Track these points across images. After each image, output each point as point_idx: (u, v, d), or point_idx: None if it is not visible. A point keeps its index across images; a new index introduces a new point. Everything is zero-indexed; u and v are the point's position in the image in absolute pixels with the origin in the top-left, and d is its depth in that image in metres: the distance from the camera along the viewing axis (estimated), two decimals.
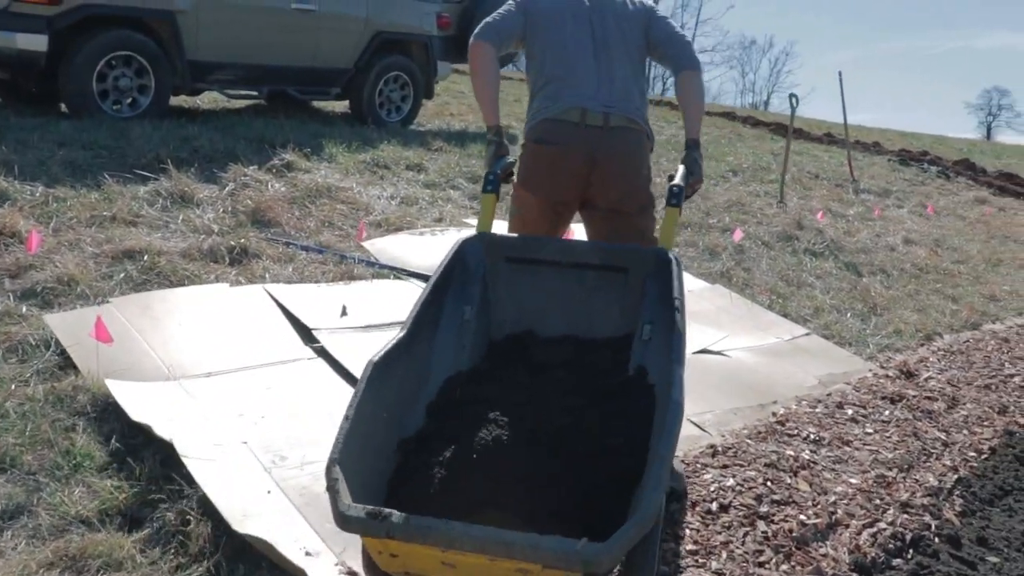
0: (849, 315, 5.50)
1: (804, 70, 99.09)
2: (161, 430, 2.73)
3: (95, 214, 4.67)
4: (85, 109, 6.66)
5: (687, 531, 2.75)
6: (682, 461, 3.16)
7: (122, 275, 4.01)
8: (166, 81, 7.15)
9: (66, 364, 3.22)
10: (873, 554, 2.78)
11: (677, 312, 2.23)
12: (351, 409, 1.83)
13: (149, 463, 2.66)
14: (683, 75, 3.07)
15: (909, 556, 2.82)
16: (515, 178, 3.12)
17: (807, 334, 4.94)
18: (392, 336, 2.09)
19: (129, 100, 7.01)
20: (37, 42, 6.38)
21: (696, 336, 4.38)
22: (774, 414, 3.81)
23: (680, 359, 2.06)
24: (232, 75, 7.79)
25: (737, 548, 2.69)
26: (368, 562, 1.95)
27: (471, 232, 2.68)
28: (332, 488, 1.67)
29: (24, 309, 3.58)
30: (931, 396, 4.30)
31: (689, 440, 3.38)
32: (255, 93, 8.45)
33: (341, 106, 9.64)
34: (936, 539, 2.92)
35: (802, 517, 2.92)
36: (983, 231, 9.67)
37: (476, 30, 2.98)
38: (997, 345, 5.44)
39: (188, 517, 2.42)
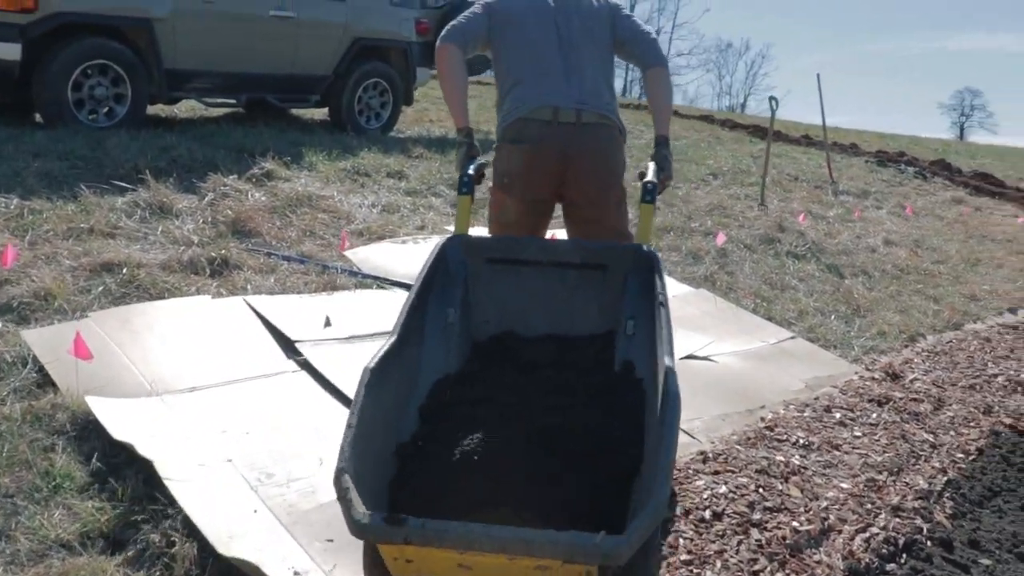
0: (833, 317, 5.50)
1: (780, 73, 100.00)
2: (143, 449, 2.67)
3: (72, 226, 4.59)
4: (60, 119, 6.56)
5: (680, 540, 2.72)
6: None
7: (100, 289, 3.94)
8: (143, 90, 7.06)
9: (44, 381, 3.15)
10: (867, 559, 2.77)
11: (662, 306, 2.25)
12: (353, 416, 1.81)
13: (132, 482, 2.60)
14: (651, 72, 3.11)
15: (903, 560, 2.81)
16: (491, 182, 3.14)
17: (792, 337, 4.94)
18: (383, 343, 2.08)
19: (105, 109, 6.93)
20: (10, 51, 6.29)
21: (682, 341, 4.35)
22: (763, 419, 3.80)
23: (671, 352, 2.06)
24: (210, 83, 7.72)
25: (732, 557, 2.66)
26: (370, 572, 1.94)
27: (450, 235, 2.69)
28: (344, 497, 1.65)
29: (0, 325, 3.51)
30: (917, 398, 4.30)
31: (679, 447, 3.32)
32: (233, 101, 8.38)
33: (320, 113, 9.58)
34: (928, 542, 2.92)
35: (795, 524, 2.90)
36: (961, 231, 9.74)
37: (442, 33, 3.01)
38: (980, 345, 5.46)
39: (173, 538, 2.36)
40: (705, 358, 4.36)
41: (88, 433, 2.84)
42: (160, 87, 7.26)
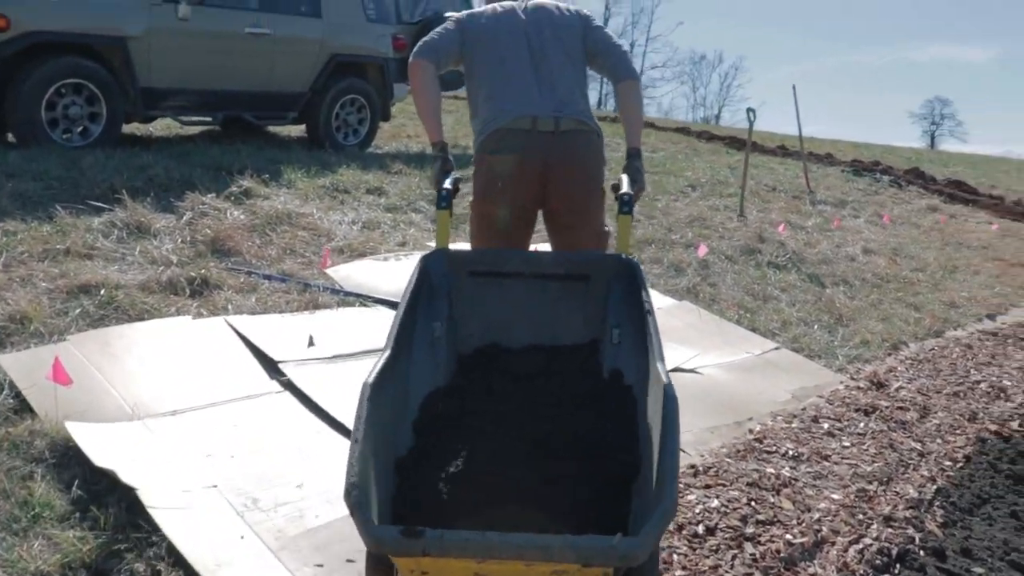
0: (816, 327, 5.51)
1: (753, 84, 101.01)
2: (126, 476, 2.61)
3: (48, 248, 4.51)
4: (34, 139, 6.48)
5: (675, 556, 2.70)
6: None
7: (78, 311, 3.87)
8: (118, 109, 7.00)
9: (21, 407, 3.07)
10: (861, 571, 2.75)
11: (649, 314, 2.27)
12: (358, 431, 1.81)
13: (114, 510, 2.53)
14: (623, 85, 3.15)
15: (896, 571, 2.79)
16: (472, 197, 3.16)
17: (777, 348, 4.94)
18: (378, 358, 2.06)
19: (80, 129, 6.85)
20: None
21: (668, 354, 4.27)
22: (751, 431, 3.78)
23: (662, 356, 2.09)
24: (186, 101, 7.65)
25: (727, 572, 2.63)
26: None
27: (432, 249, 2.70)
28: (357, 511, 1.64)
29: None
30: (903, 406, 4.30)
31: None
32: (209, 119, 8.31)
33: (297, 130, 9.53)
34: (921, 552, 2.90)
35: (788, 537, 2.88)
36: (938, 238, 9.82)
37: (415, 49, 3.02)
38: (961, 352, 5.49)
39: (158, 567, 2.30)
40: (691, 371, 4.35)
41: (68, 460, 2.77)
42: (135, 106, 7.19)
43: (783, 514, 3.04)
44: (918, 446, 3.84)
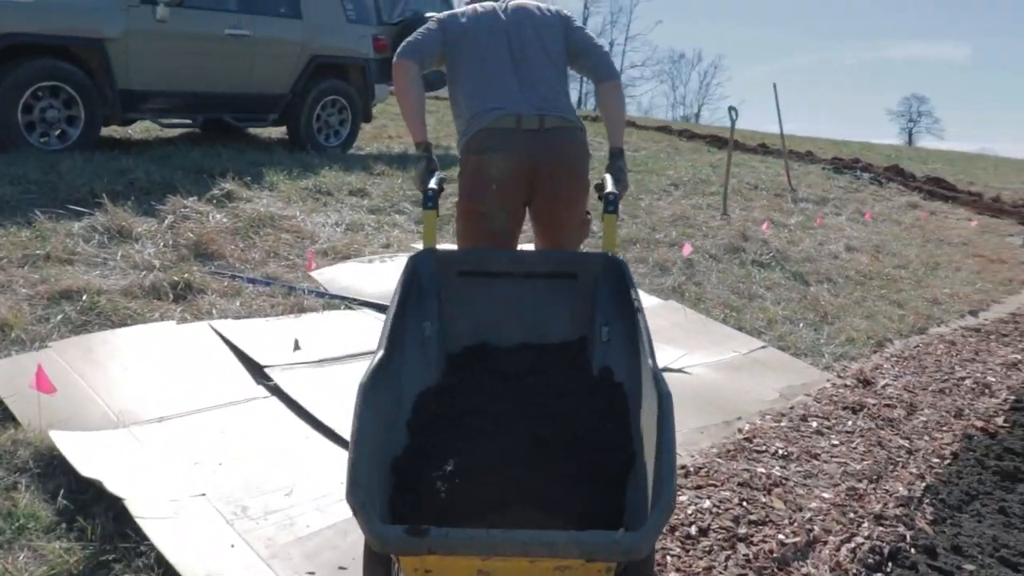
0: (801, 325, 5.53)
1: (732, 83, 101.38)
2: (113, 485, 2.57)
3: (27, 253, 4.45)
4: (10, 142, 6.38)
5: (668, 558, 2.69)
6: None
7: (60, 317, 3.81)
8: (96, 112, 6.91)
9: (4, 416, 3.01)
10: (854, 571, 2.75)
11: (639, 312, 2.28)
12: (357, 432, 1.80)
13: (101, 520, 2.49)
14: (604, 86, 3.17)
15: (888, 569, 2.80)
16: (457, 197, 3.16)
17: (763, 347, 4.95)
18: (372, 358, 2.05)
19: (58, 132, 6.76)
20: None
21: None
22: (740, 430, 3.78)
23: (653, 353, 2.11)
24: (166, 104, 7.57)
25: (720, 573, 2.63)
26: None
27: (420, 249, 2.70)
28: (360, 511, 1.64)
29: None
30: (890, 404, 4.32)
31: None
32: (189, 121, 8.23)
33: (278, 132, 9.46)
34: (912, 550, 2.91)
35: (781, 537, 2.88)
36: (919, 235, 9.90)
37: (398, 50, 3.03)
38: (945, 349, 5.52)
39: None
40: (679, 370, 4.35)
41: (53, 470, 2.73)
42: (114, 108, 7.10)
43: (775, 514, 3.04)
44: (906, 443, 3.86)
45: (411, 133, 3.02)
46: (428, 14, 10.90)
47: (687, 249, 6.65)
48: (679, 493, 3.08)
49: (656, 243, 7.01)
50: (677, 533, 2.82)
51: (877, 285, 7.04)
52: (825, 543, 2.90)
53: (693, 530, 2.85)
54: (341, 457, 3.05)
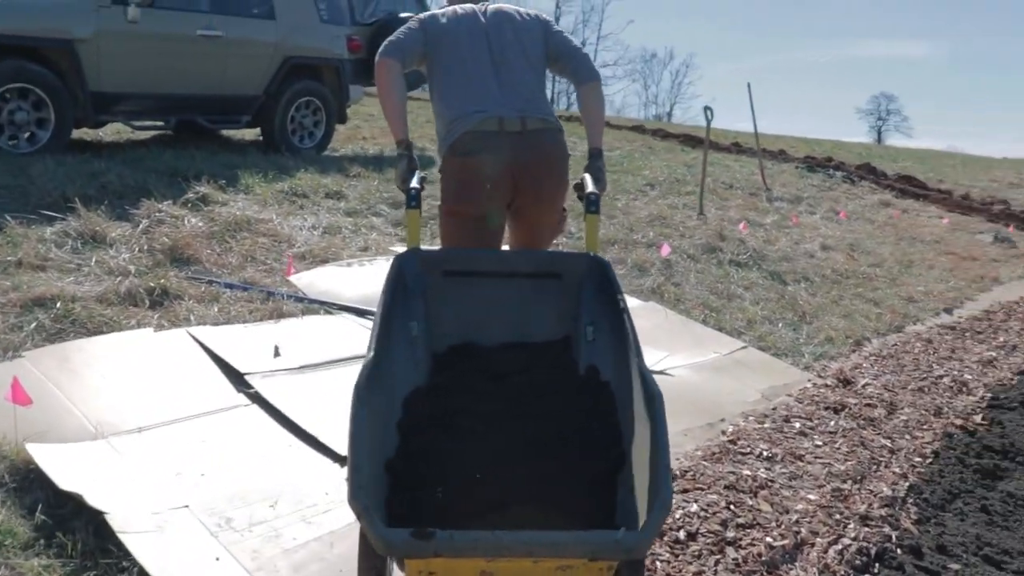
0: (781, 325, 5.55)
1: (704, 81, 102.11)
2: (93, 499, 2.52)
3: None
4: None
5: (658, 563, 2.68)
6: None
7: (33, 325, 3.74)
8: (67, 114, 6.80)
9: None
10: (842, 572, 2.76)
11: (625, 312, 2.31)
12: (354, 436, 1.81)
13: (82, 535, 2.43)
14: (585, 87, 3.19)
15: (876, 570, 2.81)
16: (441, 201, 3.14)
17: (744, 347, 4.96)
18: (364, 360, 2.06)
19: (27, 135, 6.65)
20: None
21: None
22: (724, 432, 3.79)
23: (640, 353, 2.13)
24: (138, 106, 7.47)
25: None
26: None
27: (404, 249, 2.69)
28: (365, 516, 1.65)
29: None
30: (871, 403, 4.34)
31: None
32: (162, 123, 8.13)
33: (252, 134, 9.37)
34: (899, 550, 2.92)
35: (768, 539, 2.88)
36: (892, 233, 9.99)
37: (381, 48, 3.01)
38: (923, 347, 5.57)
39: None
40: (661, 372, 4.34)
41: (30, 484, 2.67)
42: (85, 110, 6.99)
43: (762, 516, 3.04)
44: (888, 443, 3.88)
45: (392, 131, 3.01)
46: (403, 14, 10.92)
47: (665, 250, 6.66)
48: None
49: (634, 244, 7.01)
50: (666, 538, 2.81)
51: (853, 284, 7.09)
52: (812, 545, 2.90)
53: (682, 535, 2.84)
54: (325, 466, 3.01)
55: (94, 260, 4.57)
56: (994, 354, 5.55)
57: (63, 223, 4.98)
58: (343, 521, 2.66)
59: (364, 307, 4.55)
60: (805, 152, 16.76)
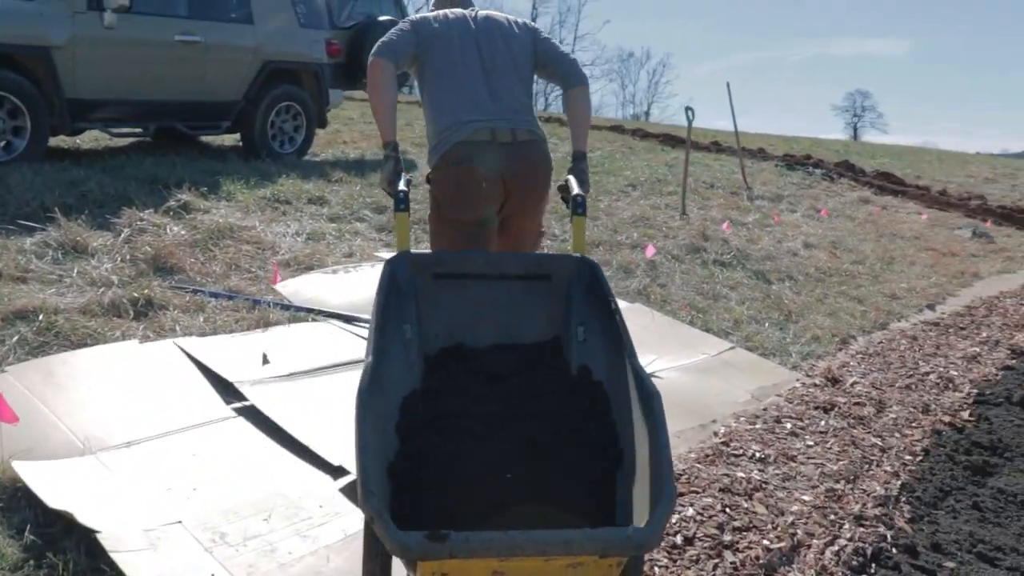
0: (767, 324, 5.57)
1: (681, 81, 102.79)
2: (84, 517, 2.47)
3: None
4: None
5: (656, 569, 2.67)
6: None
7: (15, 339, 3.67)
8: (43, 122, 6.71)
9: None
10: (839, 573, 2.77)
11: (617, 312, 2.34)
12: (360, 441, 1.80)
13: (73, 555, 2.39)
14: (573, 91, 3.23)
15: (872, 571, 2.82)
16: (436, 210, 3.16)
17: (732, 348, 4.96)
18: (364, 365, 2.06)
19: (3, 144, 6.54)
20: None
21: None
22: (716, 434, 3.79)
23: (633, 353, 2.18)
24: (116, 112, 7.38)
25: None
26: None
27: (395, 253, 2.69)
28: (379, 520, 1.66)
29: None
30: (859, 402, 4.36)
31: None
32: (140, 130, 8.05)
33: (232, 139, 9.29)
34: (894, 550, 2.93)
35: (765, 542, 2.88)
36: (872, 230, 10.05)
37: (374, 49, 3.02)
38: (908, 344, 5.60)
39: None
40: (651, 375, 4.33)
41: (18, 503, 2.62)
42: (62, 118, 6.90)
43: (758, 519, 3.04)
44: (878, 441, 3.89)
45: (381, 132, 3.01)
46: (382, 17, 10.87)
47: (650, 251, 6.66)
48: None
49: (618, 245, 7.01)
50: (663, 543, 2.80)
51: (836, 282, 7.12)
52: (809, 547, 2.90)
53: (679, 539, 2.84)
54: (317, 478, 2.98)
55: (76, 271, 4.51)
56: (977, 350, 5.59)
57: (43, 233, 4.92)
58: (338, 535, 2.63)
59: (351, 314, 4.52)
60: (784, 150, 16.84)
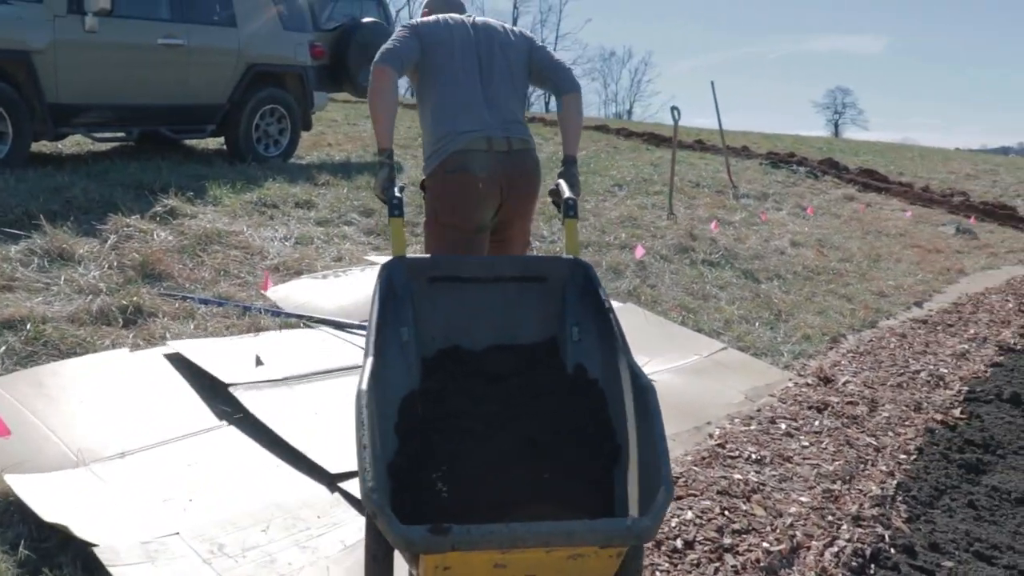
0: (758, 324, 5.58)
1: (662, 79, 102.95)
2: (80, 530, 2.43)
3: None
4: None
5: (657, 573, 2.66)
6: None
7: (3, 349, 3.62)
8: (25, 127, 6.64)
9: None
10: (840, 575, 2.76)
11: (611, 312, 2.40)
12: (363, 439, 1.82)
13: (69, 570, 2.36)
14: (567, 97, 3.27)
15: (872, 572, 2.82)
16: (434, 217, 3.19)
17: (724, 348, 4.97)
18: (363, 366, 2.07)
19: None
20: None
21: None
22: (711, 435, 3.78)
23: (628, 351, 2.22)
24: (99, 117, 7.31)
25: None
26: None
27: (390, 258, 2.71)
28: (382, 515, 1.68)
29: None
30: (852, 401, 4.37)
31: None
32: (123, 135, 7.98)
33: (216, 143, 9.22)
34: (892, 550, 2.94)
35: (765, 544, 2.88)
36: (858, 228, 10.09)
37: (377, 56, 3.04)
38: (897, 342, 5.63)
39: None
40: None
41: (10, 517, 2.57)
42: (44, 123, 6.83)
43: (756, 521, 3.04)
44: (873, 441, 3.90)
45: (378, 138, 3.03)
46: (365, 19, 10.81)
47: (639, 251, 6.66)
48: None
49: (607, 246, 7.00)
50: (663, 547, 2.80)
51: (824, 280, 7.15)
52: (808, 548, 2.90)
53: (679, 543, 2.83)
54: (314, 487, 2.95)
55: (63, 278, 4.45)
56: (966, 347, 5.63)
57: (28, 240, 4.86)
58: (337, 546, 2.61)
59: (343, 320, 4.49)
60: (767, 148, 16.89)
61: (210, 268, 5.04)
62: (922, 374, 4.97)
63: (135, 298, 4.26)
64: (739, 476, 3.36)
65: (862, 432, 3.99)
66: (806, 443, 3.79)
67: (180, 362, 3.69)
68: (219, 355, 3.76)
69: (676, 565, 2.72)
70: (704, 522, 2.97)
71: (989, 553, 3.01)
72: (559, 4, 78.28)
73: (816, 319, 5.84)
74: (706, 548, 2.82)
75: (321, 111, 10.28)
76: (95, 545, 2.39)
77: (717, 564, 2.74)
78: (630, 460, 2.09)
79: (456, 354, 2.66)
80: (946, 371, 5.07)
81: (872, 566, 2.85)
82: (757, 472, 3.44)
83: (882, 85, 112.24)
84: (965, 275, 8.22)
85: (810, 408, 4.20)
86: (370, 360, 2.08)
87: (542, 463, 2.23)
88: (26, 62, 6.61)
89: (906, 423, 4.16)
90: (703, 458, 3.51)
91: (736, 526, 2.98)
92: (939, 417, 4.26)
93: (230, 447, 3.16)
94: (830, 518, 3.13)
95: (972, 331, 6.07)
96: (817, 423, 4.02)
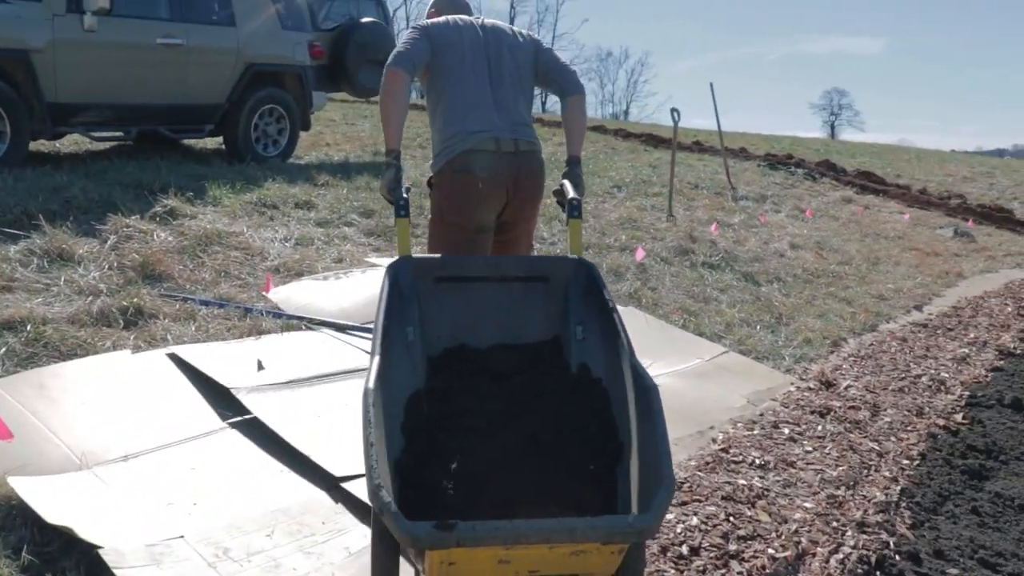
0: (759, 327, 5.57)
1: (659, 79, 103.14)
2: (84, 533, 2.42)
3: None
4: None
5: None
6: None
7: (3, 350, 3.61)
8: (23, 126, 6.62)
9: None
10: None
11: (614, 311, 2.41)
12: (371, 436, 1.84)
13: (72, 574, 2.34)
14: (571, 99, 3.32)
15: None
16: (440, 216, 3.24)
17: (725, 352, 4.96)
18: (370, 364, 2.08)
19: None
20: None
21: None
22: (714, 440, 3.78)
23: (632, 351, 2.23)
24: (97, 116, 7.29)
25: None
26: None
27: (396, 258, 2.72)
28: (388, 511, 1.70)
29: None
30: (855, 405, 4.37)
31: None
32: (122, 134, 7.95)
33: (215, 142, 9.20)
34: (897, 557, 2.93)
35: (771, 551, 2.87)
36: (856, 230, 10.10)
37: (390, 59, 3.08)
38: (898, 346, 5.62)
39: None
40: None
41: (13, 521, 2.56)
42: (43, 122, 6.81)
43: (761, 527, 3.03)
44: (875, 446, 3.90)
45: (387, 139, 3.07)
46: (364, 19, 10.78)
47: (640, 254, 6.65)
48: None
49: (607, 248, 7.00)
50: (669, 554, 2.79)
51: (824, 283, 7.15)
52: (814, 555, 2.89)
53: (684, 550, 2.82)
54: (319, 492, 2.94)
55: (63, 279, 4.43)
56: (967, 351, 5.63)
57: (27, 241, 4.84)
58: (342, 552, 2.60)
59: (344, 322, 4.47)
60: (765, 149, 16.91)
61: (210, 269, 5.02)
62: (923, 378, 4.97)
63: (136, 299, 4.24)
64: (743, 481, 3.35)
65: (865, 437, 3.99)
66: (809, 448, 3.78)
67: (182, 364, 3.68)
68: (221, 360, 3.74)
69: (682, 572, 2.71)
70: (709, 528, 2.96)
71: (994, 560, 3.00)
72: (556, 4, 78.36)
73: (816, 322, 5.84)
74: (712, 555, 2.81)
75: (320, 111, 10.26)
76: (100, 547, 2.38)
77: (723, 571, 2.73)
78: (632, 459, 2.12)
79: (462, 353, 2.68)
80: (947, 375, 5.07)
81: (878, 573, 2.84)
82: (761, 477, 3.44)
83: (880, 86, 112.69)
84: (964, 278, 8.23)
85: (812, 413, 4.19)
86: (376, 359, 2.10)
87: (545, 461, 2.25)
88: (25, 61, 6.59)
89: (908, 428, 4.16)
90: (707, 463, 3.50)
91: (741, 532, 2.97)
92: (941, 422, 4.26)
93: (233, 450, 3.14)
94: (835, 524, 3.12)
95: (972, 335, 6.07)
96: (820, 428, 4.02)
